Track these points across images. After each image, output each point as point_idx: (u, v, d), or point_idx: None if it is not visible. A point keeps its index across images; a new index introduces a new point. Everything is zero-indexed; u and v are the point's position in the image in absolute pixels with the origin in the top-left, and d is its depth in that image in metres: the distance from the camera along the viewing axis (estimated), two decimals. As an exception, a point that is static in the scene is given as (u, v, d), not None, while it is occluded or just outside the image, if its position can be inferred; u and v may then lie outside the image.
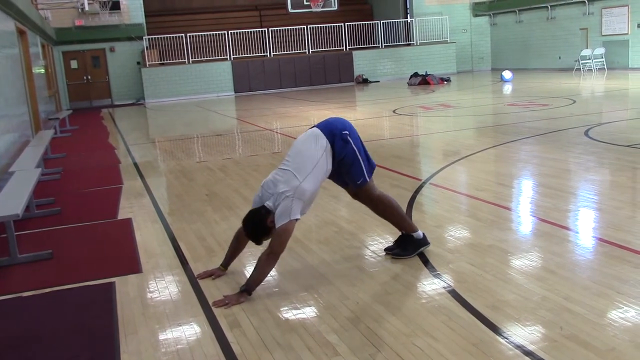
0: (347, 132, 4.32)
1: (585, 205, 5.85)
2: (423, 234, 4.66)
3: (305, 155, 4.20)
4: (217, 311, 3.90)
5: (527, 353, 3.10)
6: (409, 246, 4.62)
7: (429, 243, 4.68)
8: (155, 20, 26.94)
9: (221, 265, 4.57)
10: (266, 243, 4.19)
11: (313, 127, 4.42)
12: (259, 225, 4.11)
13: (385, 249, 4.75)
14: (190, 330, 3.69)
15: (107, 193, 7.82)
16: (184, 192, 7.57)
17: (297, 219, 4.07)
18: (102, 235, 5.95)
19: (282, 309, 3.89)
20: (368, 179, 4.44)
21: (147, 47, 24.64)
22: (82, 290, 4.50)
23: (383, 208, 4.62)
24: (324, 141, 4.25)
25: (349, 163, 4.35)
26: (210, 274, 4.52)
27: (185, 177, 8.54)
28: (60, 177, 9.23)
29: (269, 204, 4.11)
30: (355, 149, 4.35)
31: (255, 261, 4.58)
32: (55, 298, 4.39)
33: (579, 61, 22.92)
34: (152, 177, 8.79)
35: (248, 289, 4.07)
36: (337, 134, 4.29)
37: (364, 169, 4.39)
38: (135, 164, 9.92)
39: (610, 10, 22.86)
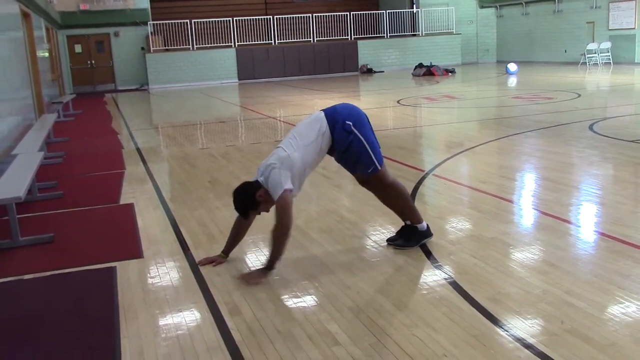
0: (350, 122, 4.26)
1: (587, 199, 5.84)
2: (427, 225, 4.64)
3: (300, 135, 4.24)
4: (217, 298, 3.90)
5: (527, 346, 3.10)
6: (412, 237, 4.60)
7: (432, 234, 4.67)
8: (159, 5, 26.87)
9: (222, 252, 4.56)
10: (257, 226, 4.20)
11: (321, 110, 4.41)
12: (248, 197, 4.15)
13: (388, 240, 4.73)
14: (190, 316, 3.69)
15: (109, 178, 7.82)
16: (187, 179, 7.56)
17: (291, 189, 4.06)
18: (104, 220, 5.95)
19: (282, 297, 3.88)
20: (379, 167, 4.39)
21: (151, 33, 24.60)
22: (83, 274, 4.50)
23: (394, 196, 4.57)
24: (323, 126, 4.25)
25: (356, 153, 4.32)
26: (211, 261, 4.51)
27: (188, 163, 8.54)
28: (63, 161, 9.23)
29: (260, 178, 4.15)
30: (362, 138, 4.29)
31: (256, 248, 4.60)
32: (56, 282, 4.40)
33: (584, 55, 22.83)
34: (154, 162, 8.78)
35: (270, 265, 4.12)
36: (338, 122, 4.26)
37: (374, 157, 4.34)
38: (138, 150, 9.91)
39: (617, 4, 22.73)
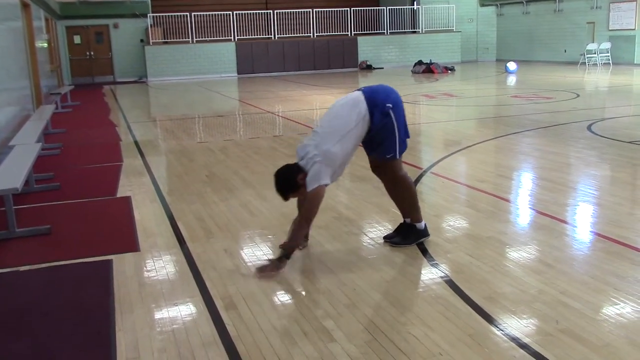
0: (390, 104, 4.25)
1: (585, 200, 5.85)
2: (425, 224, 4.64)
3: (340, 120, 4.19)
4: (213, 292, 3.90)
5: (522, 345, 3.10)
6: (410, 235, 4.60)
7: (429, 235, 4.67)
8: (160, -3, 26.80)
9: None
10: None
11: (358, 89, 4.38)
12: (289, 180, 4.15)
13: (385, 237, 4.73)
14: (186, 311, 3.69)
15: (106, 170, 7.81)
16: (184, 172, 7.55)
17: (326, 184, 4.09)
18: (101, 212, 5.94)
19: (278, 293, 3.89)
20: (398, 156, 4.39)
21: (151, 25, 24.52)
22: (79, 266, 4.50)
23: (401, 190, 4.56)
24: (363, 109, 4.20)
25: (384, 136, 4.31)
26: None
27: (186, 157, 8.53)
28: (61, 153, 9.21)
29: (302, 163, 4.15)
30: (395, 124, 4.28)
31: (253, 243, 4.62)
32: (52, 273, 4.39)
33: (584, 55, 22.83)
34: (152, 156, 8.77)
35: (286, 254, 4.15)
36: (378, 105, 4.22)
37: (397, 146, 4.33)
38: (136, 142, 9.90)
39: (618, 5, 22.73)
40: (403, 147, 4.39)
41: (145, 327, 3.49)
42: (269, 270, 4.12)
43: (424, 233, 4.63)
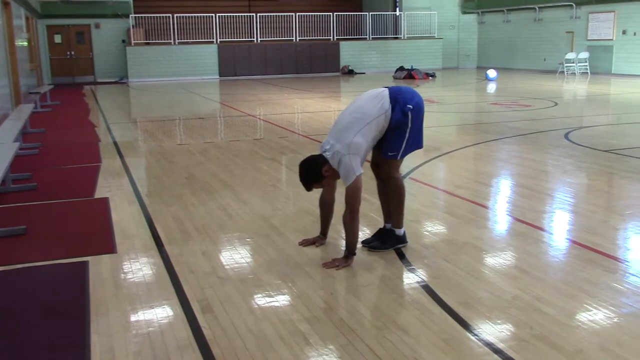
0: (410, 106, 4.32)
1: (561, 207, 5.92)
2: (404, 231, 4.68)
3: (363, 111, 4.27)
4: (190, 295, 3.89)
5: (496, 351, 3.13)
6: (389, 240, 4.64)
7: (407, 242, 4.70)
8: (142, -2, 26.65)
9: (320, 233, 4.77)
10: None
11: (385, 87, 4.47)
12: (314, 171, 4.26)
13: (363, 241, 4.74)
14: (162, 313, 3.67)
15: (85, 171, 7.75)
16: (163, 174, 7.52)
17: (361, 173, 4.17)
18: (78, 213, 5.89)
19: (255, 296, 3.88)
20: (398, 157, 4.46)
21: (133, 26, 24.37)
22: (54, 267, 4.46)
23: (392, 191, 4.63)
24: (386, 103, 4.29)
25: (394, 134, 4.37)
26: (312, 242, 4.73)
27: (165, 159, 8.48)
28: (39, 153, 9.12)
29: (327, 154, 4.21)
30: (410, 126, 4.34)
31: (231, 246, 4.64)
32: (27, 274, 4.35)
33: (563, 64, 23.10)
34: (131, 157, 8.72)
35: (350, 251, 4.32)
36: (399, 103, 4.30)
37: (402, 147, 4.40)
38: (115, 143, 9.83)
39: (596, 15, 23.04)
40: (407, 151, 4.47)
41: (121, 330, 3.47)
42: (339, 265, 4.27)
43: (403, 240, 4.66)
